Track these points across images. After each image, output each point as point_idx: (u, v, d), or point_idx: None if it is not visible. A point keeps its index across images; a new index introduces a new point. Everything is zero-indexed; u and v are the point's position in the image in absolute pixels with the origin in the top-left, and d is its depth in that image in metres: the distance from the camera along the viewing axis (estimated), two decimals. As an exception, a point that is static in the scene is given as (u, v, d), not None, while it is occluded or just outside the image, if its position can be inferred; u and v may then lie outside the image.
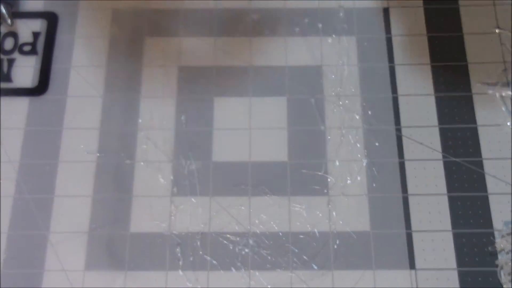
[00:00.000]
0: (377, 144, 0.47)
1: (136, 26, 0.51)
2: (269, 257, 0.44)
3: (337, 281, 0.43)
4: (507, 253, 0.43)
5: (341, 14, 0.52)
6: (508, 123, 0.48)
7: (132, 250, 0.45)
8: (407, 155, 0.47)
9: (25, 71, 0.50)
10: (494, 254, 0.44)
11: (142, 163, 0.47)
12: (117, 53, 0.50)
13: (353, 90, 0.49)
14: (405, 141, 0.47)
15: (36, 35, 0.52)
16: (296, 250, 0.44)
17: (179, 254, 0.44)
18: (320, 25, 0.52)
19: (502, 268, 0.43)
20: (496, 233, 0.44)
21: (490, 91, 0.49)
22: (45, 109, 0.49)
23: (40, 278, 0.44)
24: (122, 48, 0.51)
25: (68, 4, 0.52)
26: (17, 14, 0.52)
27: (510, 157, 0.47)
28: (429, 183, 0.46)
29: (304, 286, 0.43)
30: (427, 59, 0.50)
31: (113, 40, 0.51)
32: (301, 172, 0.47)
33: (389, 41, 0.51)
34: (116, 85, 0.49)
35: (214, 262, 0.44)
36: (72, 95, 0.49)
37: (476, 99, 0.49)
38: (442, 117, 0.48)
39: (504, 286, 0.43)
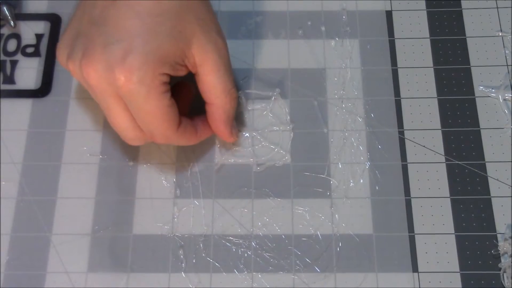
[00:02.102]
0: (379, 146, 0.47)
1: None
2: (271, 260, 0.44)
3: (339, 284, 0.43)
4: (510, 256, 0.43)
5: (344, 17, 0.52)
6: (511, 126, 0.48)
7: (135, 252, 0.45)
8: (409, 158, 0.47)
9: (28, 72, 0.51)
10: (497, 257, 0.44)
11: (145, 165, 0.47)
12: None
13: (356, 92, 0.49)
14: (407, 144, 0.48)
15: (39, 37, 0.52)
16: (299, 253, 0.44)
17: (181, 256, 0.44)
18: (323, 28, 0.52)
19: (505, 271, 0.43)
20: (499, 236, 0.44)
21: (493, 94, 0.49)
22: (48, 111, 0.49)
23: (42, 280, 0.44)
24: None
25: (72, 6, 0.52)
26: (20, 16, 0.52)
27: (513, 160, 0.47)
28: (432, 186, 0.46)
29: (307, 288, 0.43)
30: (430, 62, 0.50)
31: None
32: (303, 174, 0.47)
33: (392, 44, 0.51)
34: (119, 87, 0.49)
35: (217, 264, 0.44)
36: (75, 97, 0.49)
37: (479, 102, 0.49)
38: (445, 120, 0.48)
39: (507, 289, 0.43)
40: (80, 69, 0.38)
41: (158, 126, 0.39)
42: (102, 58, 0.37)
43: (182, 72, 0.40)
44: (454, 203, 0.46)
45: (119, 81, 0.37)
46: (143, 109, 0.38)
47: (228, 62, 0.42)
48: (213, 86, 0.41)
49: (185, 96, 0.43)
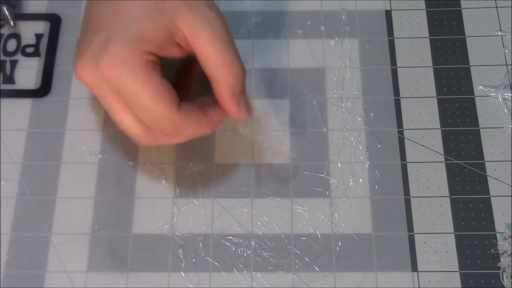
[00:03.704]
0: (379, 146, 0.47)
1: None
2: (271, 259, 0.44)
3: (339, 283, 0.43)
4: (510, 255, 0.43)
5: (344, 17, 0.52)
6: (510, 126, 0.48)
7: (135, 251, 0.45)
8: (409, 157, 0.47)
9: (27, 72, 0.51)
10: (496, 257, 0.44)
11: (144, 165, 0.47)
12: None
13: (355, 92, 0.49)
14: (407, 143, 0.48)
15: (39, 37, 0.52)
16: (298, 252, 0.44)
17: (181, 256, 0.44)
18: (322, 28, 0.52)
19: (504, 270, 0.43)
20: (498, 236, 0.44)
21: (492, 94, 0.49)
22: (47, 111, 0.49)
23: (42, 279, 0.44)
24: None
25: (72, 6, 0.52)
26: (19, 16, 0.52)
27: (512, 159, 0.47)
28: (431, 185, 0.46)
29: (306, 287, 0.43)
30: (429, 61, 0.50)
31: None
32: (303, 174, 0.47)
33: (391, 44, 0.51)
34: (118, 86, 0.49)
35: (216, 263, 0.44)
36: (75, 96, 0.50)
37: (478, 102, 0.49)
38: (444, 119, 0.48)
39: (506, 288, 0.43)
40: (77, 74, 0.38)
41: (153, 106, 0.37)
42: (88, 54, 0.37)
43: (176, 52, 0.39)
44: (454, 203, 0.46)
45: (105, 69, 0.36)
46: (134, 92, 0.37)
47: (225, 34, 0.39)
48: (211, 62, 0.39)
49: (188, 74, 0.42)
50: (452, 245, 0.44)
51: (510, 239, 0.44)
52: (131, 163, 0.47)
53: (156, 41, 0.37)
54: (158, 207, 0.46)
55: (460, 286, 0.43)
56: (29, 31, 0.52)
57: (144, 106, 0.37)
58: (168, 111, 0.38)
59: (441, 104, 0.49)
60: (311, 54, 0.51)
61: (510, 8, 0.52)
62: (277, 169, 0.47)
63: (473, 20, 0.52)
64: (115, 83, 0.37)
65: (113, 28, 0.37)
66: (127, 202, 0.46)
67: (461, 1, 0.52)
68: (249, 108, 0.42)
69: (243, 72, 0.40)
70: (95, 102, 0.49)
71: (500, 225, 0.45)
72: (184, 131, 0.39)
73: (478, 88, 0.49)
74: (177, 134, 0.39)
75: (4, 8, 0.51)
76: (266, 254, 0.44)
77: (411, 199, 0.46)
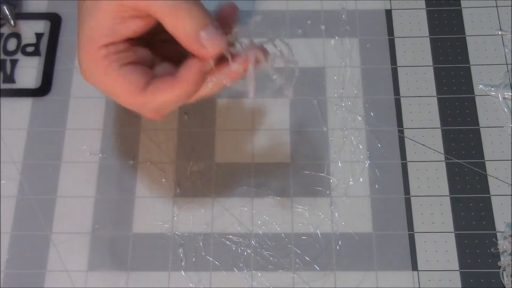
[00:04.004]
0: (379, 145, 0.47)
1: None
2: (271, 258, 0.44)
3: (339, 282, 0.43)
4: (510, 254, 0.43)
5: (344, 16, 0.52)
6: (510, 125, 0.48)
7: (135, 250, 0.45)
8: (409, 156, 0.47)
9: (28, 72, 0.51)
10: (496, 256, 0.44)
11: (145, 164, 0.47)
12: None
13: (355, 91, 0.49)
14: (407, 142, 0.48)
15: (39, 36, 0.52)
16: (299, 251, 0.44)
17: (181, 255, 0.44)
18: (323, 27, 0.52)
19: (504, 269, 0.43)
20: (498, 235, 0.44)
21: (493, 93, 0.49)
22: (48, 110, 0.49)
23: (42, 279, 0.44)
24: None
25: (72, 5, 0.52)
26: (20, 15, 0.52)
27: (513, 158, 0.47)
28: (432, 184, 0.46)
29: (306, 287, 0.43)
30: (429, 60, 0.50)
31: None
32: (303, 173, 0.47)
33: (391, 43, 0.51)
34: (119, 86, 0.49)
35: (217, 263, 0.44)
36: (75, 96, 0.50)
37: (479, 101, 0.49)
38: (445, 118, 0.48)
39: (506, 287, 0.43)
40: None
41: (123, 98, 0.37)
42: None
43: (140, 26, 0.37)
44: (454, 202, 0.46)
45: (87, 80, 0.38)
46: (105, 91, 0.38)
47: None
48: (156, 15, 0.36)
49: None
50: (452, 244, 0.44)
51: (510, 238, 0.44)
52: (131, 162, 0.47)
53: (105, 30, 0.37)
54: (159, 206, 0.46)
55: (460, 285, 0.43)
56: (29, 30, 0.52)
57: (117, 100, 0.38)
58: (135, 98, 0.37)
59: (441, 103, 0.49)
60: (311, 53, 0.51)
61: (510, 7, 0.52)
62: (277, 168, 0.47)
63: (473, 19, 0.52)
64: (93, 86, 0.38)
65: (77, 40, 0.38)
66: (127, 201, 0.46)
67: (461, 1, 0.52)
68: (216, 40, 0.36)
69: (193, 12, 0.36)
70: (96, 101, 0.49)
71: (500, 224, 0.45)
72: (164, 105, 0.37)
73: (478, 87, 0.49)
74: (160, 111, 0.38)
75: (5, 7, 0.51)
76: (267, 253, 0.44)
77: (411, 198, 0.46)
